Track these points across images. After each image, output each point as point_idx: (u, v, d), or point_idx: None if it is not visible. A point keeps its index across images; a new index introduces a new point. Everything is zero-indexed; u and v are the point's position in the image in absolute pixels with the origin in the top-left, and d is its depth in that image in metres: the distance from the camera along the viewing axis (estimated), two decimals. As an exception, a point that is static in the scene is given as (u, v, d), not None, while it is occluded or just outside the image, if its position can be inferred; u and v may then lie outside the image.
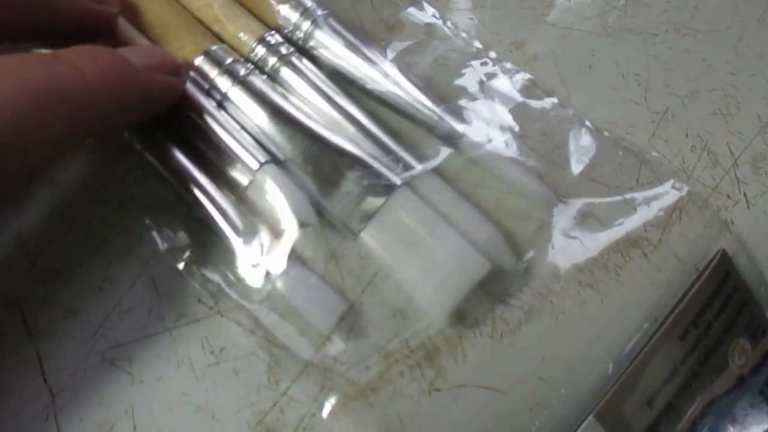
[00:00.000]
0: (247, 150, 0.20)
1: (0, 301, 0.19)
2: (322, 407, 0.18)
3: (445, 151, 0.21)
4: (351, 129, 0.20)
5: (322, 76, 0.21)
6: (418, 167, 0.20)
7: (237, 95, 0.20)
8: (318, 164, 0.19)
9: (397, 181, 0.19)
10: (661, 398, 0.19)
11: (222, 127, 0.20)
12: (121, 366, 0.19)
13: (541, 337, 0.19)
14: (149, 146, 0.21)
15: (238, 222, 0.20)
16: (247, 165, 0.20)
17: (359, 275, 0.20)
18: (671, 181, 0.21)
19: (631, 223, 0.20)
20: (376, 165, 0.19)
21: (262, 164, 0.20)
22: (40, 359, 0.19)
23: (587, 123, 0.22)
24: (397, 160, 0.20)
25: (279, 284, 0.19)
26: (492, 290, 0.20)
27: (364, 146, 0.20)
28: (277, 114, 0.20)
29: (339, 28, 0.22)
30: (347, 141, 0.20)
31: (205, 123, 0.20)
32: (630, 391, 0.19)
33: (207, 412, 0.18)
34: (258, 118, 0.20)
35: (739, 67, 0.24)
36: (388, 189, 0.19)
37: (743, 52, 0.24)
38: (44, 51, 0.17)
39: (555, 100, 0.22)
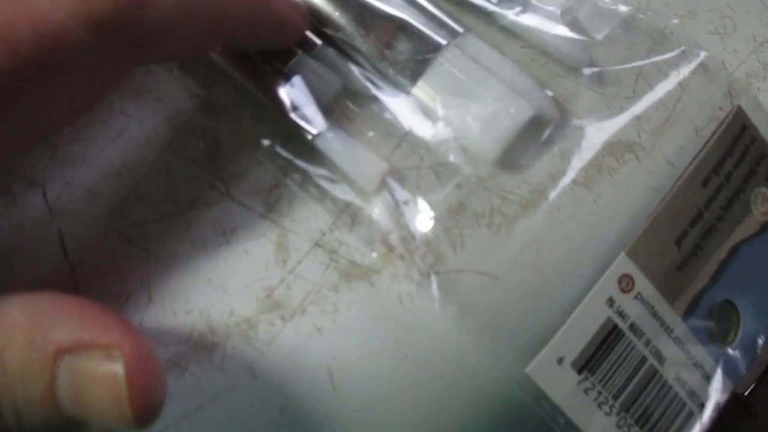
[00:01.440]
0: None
1: (23, 181, 0.20)
2: (326, 285, 0.19)
3: (479, 20, 0.22)
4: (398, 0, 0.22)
5: None
6: (461, 30, 0.21)
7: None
8: (369, 30, 0.21)
9: (443, 41, 0.21)
10: (688, 239, 0.21)
11: None
12: (138, 243, 0.20)
13: (536, 230, 0.20)
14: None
15: (286, 98, 0.20)
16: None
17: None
18: (682, 48, 0.22)
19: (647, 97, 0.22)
20: (424, 28, 0.21)
21: (319, 46, 0.21)
22: (62, 236, 0.20)
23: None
24: (442, 24, 0.22)
25: (323, 146, 0.20)
26: (490, 186, 0.21)
27: (411, 13, 0.22)
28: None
29: None
30: (396, 8, 0.21)
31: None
32: (658, 231, 0.21)
33: (218, 285, 0.19)
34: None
35: (737, -10, 0.25)
36: (437, 48, 0.21)
37: (742, -24, 0.25)
38: None
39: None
